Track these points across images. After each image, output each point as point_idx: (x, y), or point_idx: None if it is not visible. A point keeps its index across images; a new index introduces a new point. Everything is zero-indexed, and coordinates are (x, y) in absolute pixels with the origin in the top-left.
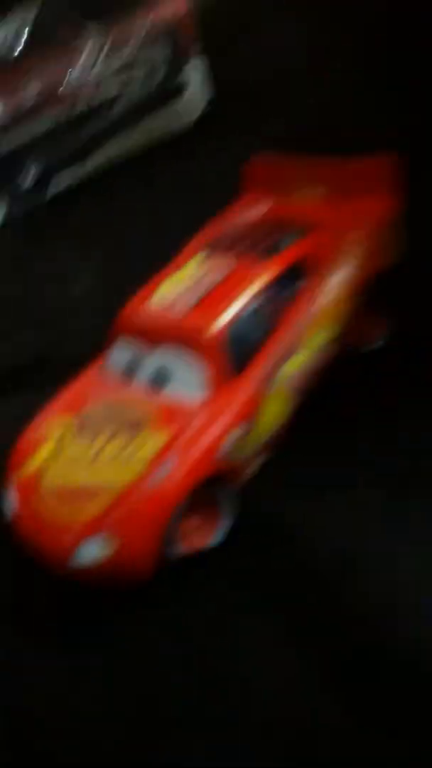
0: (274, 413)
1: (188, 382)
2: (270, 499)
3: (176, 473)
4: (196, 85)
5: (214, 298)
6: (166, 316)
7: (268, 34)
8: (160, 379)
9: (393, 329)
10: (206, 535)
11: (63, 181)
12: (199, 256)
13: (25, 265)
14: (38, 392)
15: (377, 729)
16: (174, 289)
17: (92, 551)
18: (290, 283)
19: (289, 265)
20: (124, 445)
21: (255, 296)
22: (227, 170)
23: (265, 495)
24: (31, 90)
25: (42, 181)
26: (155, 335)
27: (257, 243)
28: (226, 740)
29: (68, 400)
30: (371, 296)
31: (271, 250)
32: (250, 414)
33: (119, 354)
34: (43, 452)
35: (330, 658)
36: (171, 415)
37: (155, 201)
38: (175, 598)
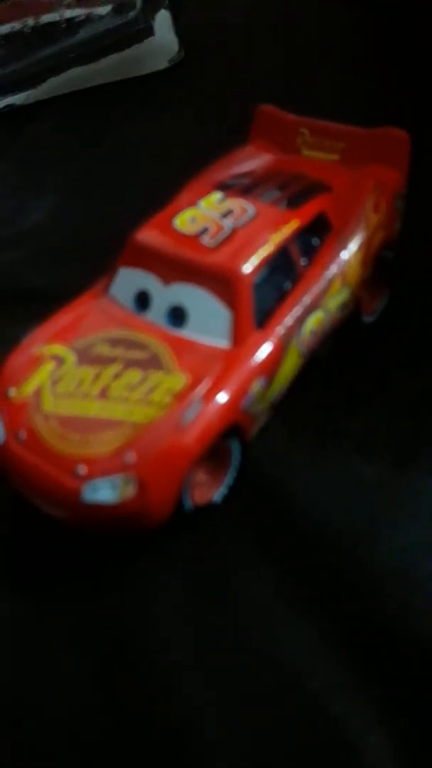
0: (287, 371)
1: (210, 326)
2: (271, 462)
3: (205, 415)
4: (166, 29)
5: (239, 241)
6: (187, 251)
7: None
8: (176, 318)
9: (387, 303)
10: (209, 490)
11: (16, 99)
12: (215, 196)
13: None
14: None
15: (378, 685)
16: (191, 226)
17: (107, 489)
18: (310, 240)
19: (312, 219)
20: (138, 381)
21: (280, 246)
22: (194, 117)
23: (266, 456)
24: None
25: None
26: (172, 270)
27: (277, 192)
28: (229, 693)
29: (61, 328)
30: (373, 268)
31: (292, 201)
32: (271, 368)
33: (126, 284)
34: (39, 377)
35: (327, 616)
36: (191, 356)
37: (117, 136)
38: (173, 551)
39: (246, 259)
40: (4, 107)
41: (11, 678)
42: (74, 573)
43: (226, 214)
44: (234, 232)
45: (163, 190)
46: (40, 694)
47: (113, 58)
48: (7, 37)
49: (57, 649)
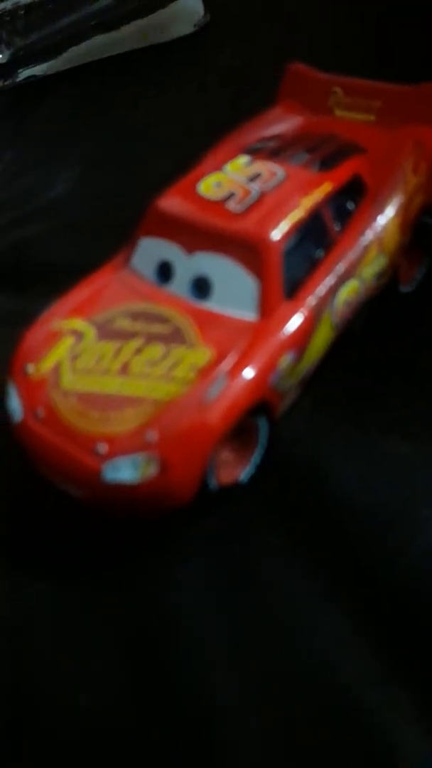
0: (319, 345)
1: (236, 298)
2: (301, 440)
3: (230, 392)
4: None
5: (268, 206)
6: (212, 218)
7: None
8: (200, 289)
9: (426, 272)
10: (235, 470)
11: (37, 70)
12: (242, 159)
13: None
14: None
15: (414, 677)
16: (217, 191)
17: (128, 468)
18: (344, 204)
19: (346, 182)
20: (161, 356)
21: (312, 211)
22: (221, 79)
23: (296, 435)
24: None
25: (11, 66)
26: (196, 238)
27: (307, 154)
28: (258, 684)
29: (80, 302)
30: (412, 234)
31: (325, 163)
32: (301, 341)
33: (147, 255)
34: (57, 353)
35: (361, 606)
36: (216, 329)
37: (141, 106)
38: (198, 536)
39: (275, 225)
40: (26, 78)
41: (29, 664)
42: (95, 558)
43: (254, 177)
44: (262, 196)
45: (190, 160)
46: (57, 683)
47: (136, 25)
48: (28, 6)
49: (77, 638)
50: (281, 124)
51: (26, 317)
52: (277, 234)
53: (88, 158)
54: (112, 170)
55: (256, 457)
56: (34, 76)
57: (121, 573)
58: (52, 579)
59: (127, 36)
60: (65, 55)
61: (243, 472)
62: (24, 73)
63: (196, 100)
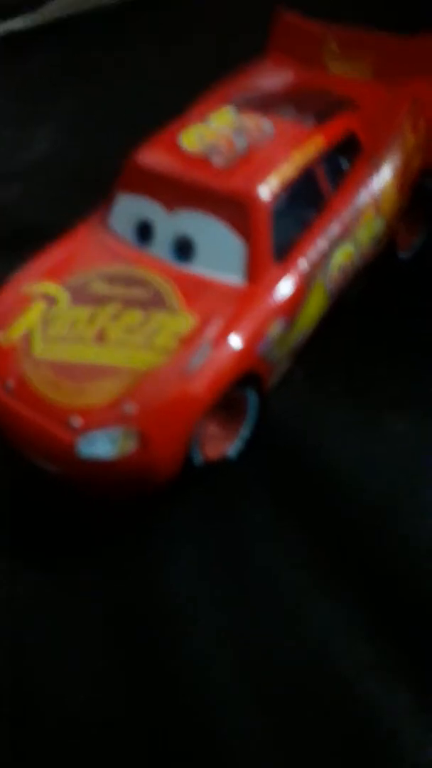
0: (311, 313)
1: (221, 260)
2: (293, 414)
3: (215, 361)
4: None
5: (255, 160)
6: (195, 173)
7: None
8: (183, 251)
9: (426, 238)
10: (222, 445)
11: (16, 24)
12: (227, 111)
13: None
14: None
15: (414, 665)
16: (199, 143)
17: (105, 443)
18: (338, 163)
19: (340, 138)
20: (139, 322)
21: (303, 167)
22: (208, 38)
23: (288, 409)
24: None
25: None
26: (178, 195)
27: (298, 107)
28: (255, 673)
29: (53, 264)
30: (412, 197)
31: (317, 117)
32: (292, 308)
33: (125, 214)
34: (28, 319)
35: (359, 590)
36: (200, 294)
37: (125, 63)
38: (182, 512)
39: (263, 181)
40: (4, 33)
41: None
42: (77, 542)
43: (240, 130)
44: (249, 150)
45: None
46: (45, 673)
47: None
48: None
49: (63, 626)
50: (271, 77)
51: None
52: (265, 191)
53: (69, 117)
54: (95, 129)
55: (245, 432)
56: (12, 30)
57: (106, 557)
58: (34, 564)
59: None
60: (44, 9)
61: (231, 447)
62: (1, 28)
63: (183, 56)
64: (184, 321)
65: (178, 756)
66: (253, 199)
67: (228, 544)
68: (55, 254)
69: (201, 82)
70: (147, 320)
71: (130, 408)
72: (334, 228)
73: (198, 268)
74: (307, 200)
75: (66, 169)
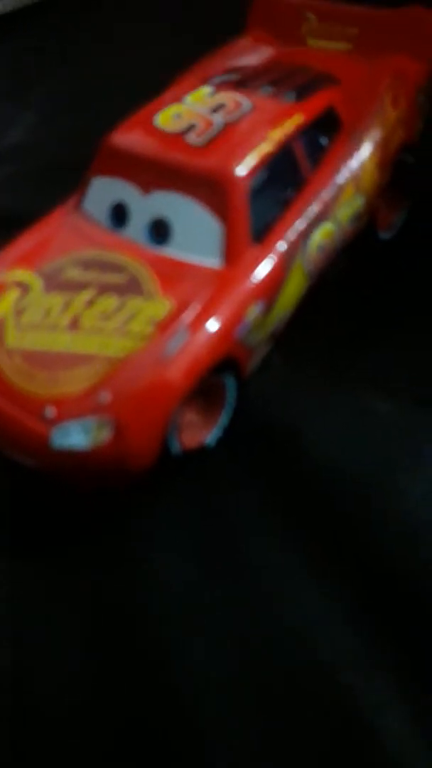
0: (290, 295)
1: (198, 242)
2: (273, 400)
3: (192, 347)
4: None
5: (232, 138)
6: (170, 153)
7: None
8: (158, 233)
9: (407, 217)
10: (201, 432)
11: None
12: (204, 90)
13: None
14: None
15: (397, 654)
16: (175, 123)
17: (79, 433)
18: (317, 139)
19: (319, 115)
20: (115, 308)
21: (281, 144)
22: (187, 17)
23: (267, 394)
24: None
25: None
26: (153, 176)
27: (277, 84)
28: (236, 664)
29: (26, 251)
30: (393, 173)
31: (295, 94)
32: (271, 290)
33: (100, 196)
34: (1, 307)
35: (344, 577)
36: (176, 278)
37: (103, 46)
38: (160, 502)
39: (240, 160)
40: None
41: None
42: (56, 534)
43: (217, 108)
44: (226, 128)
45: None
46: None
47: None
48: None
49: (41, 621)
50: (250, 55)
51: None
52: (242, 169)
53: (48, 101)
54: (74, 113)
55: (223, 419)
56: None
57: (85, 548)
58: (10, 557)
59: None
60: None
61: (209, 435)
62: None
63: (162, 37)
64: (161, 306)
65: (165, 753)
66: (230, 177)
67: (207, 529)
68: (28, 240)
69: (181, 62)
70: (122, 306)
71: (105, 396)
72: (314, 207)
73: (174, 251)
74: (285, 179)
75: (43, 155)
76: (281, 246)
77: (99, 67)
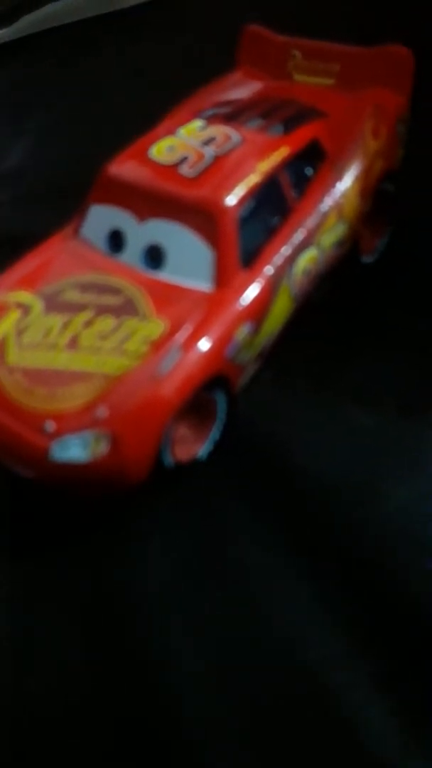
0: (277, 316)
1: (190, 267)
2: (262, 414)
3: (185, 365)
4: None
5: (222, 170)
6: (164, 183)
7: None
8: (153, 259)
9: (388, 242)
10: (193, 446)
11: None
12: (196, 123)
13: None
14: None
15: (378, 654)
16: (169, 155)
17: (78, 447)
18: (303, 170)
19: (304, 147)
20: (111, 329)
21: (268, 175)
22: (180, 50)
23: (256, 409)
24: None
25: None
26: (148, 205)
27: (264, 118)
28: (223, 664)
29: (27, 273)
30: (375, 200)
31: (282, 127)
32: (259, 312)
33: (97, 223)
34: (2, 327)
35: (327, 581)
36: (170, 300)
37: (99, 74)
38: (153, 512)
39: (229, 190)
40: None
41: None
42: (51, 541)
43: (208, 141)
44: (216, 160)
45: (150, 128)
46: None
47: None
48: None
49: (35, 624)
50: (240, 89)
51: None
52: (231, 199)
53: (44, 127)
54: (70, 139)
55: (214, 433)
56: None
57: (79, 556)
58: (10, 557)
59: (82, 3)
60: (18, 24)
61: (201, 449)
62: None
63: (156, 68)
64: (155, 326)
65: (161, 752)
66: (220, 207)
67: (197, 538)
68: (29, 264)
69: (174, 95)
70: (119, 326)
71: (102, 411)
72: (299, 234)
73: (168, 275)
74: (272, 207)
75: (41, 178)
76: (268, 270)
77: (91, 98)
